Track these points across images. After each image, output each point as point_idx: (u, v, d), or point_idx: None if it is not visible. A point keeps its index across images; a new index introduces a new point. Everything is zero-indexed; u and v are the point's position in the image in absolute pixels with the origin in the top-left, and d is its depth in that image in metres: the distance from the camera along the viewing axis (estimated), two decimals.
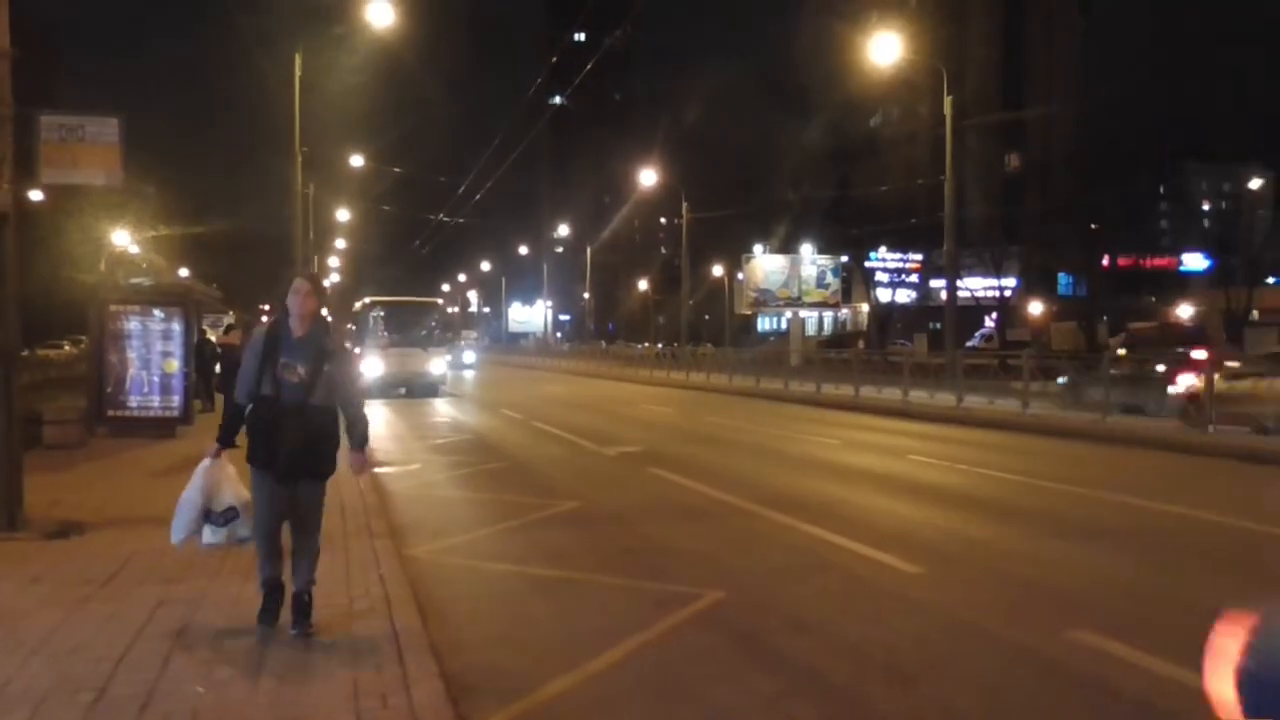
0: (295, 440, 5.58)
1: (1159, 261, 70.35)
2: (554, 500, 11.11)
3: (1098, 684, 5.41)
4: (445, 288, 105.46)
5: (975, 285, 57.17)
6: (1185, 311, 50.50)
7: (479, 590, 7.48)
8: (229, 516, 5.88)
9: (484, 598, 7.23)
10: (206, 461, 5.91)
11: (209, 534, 5.93)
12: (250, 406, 5.73)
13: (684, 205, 50.70)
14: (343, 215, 56.44)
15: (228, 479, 5.92)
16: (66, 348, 51.48)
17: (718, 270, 70.83)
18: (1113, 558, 8.69)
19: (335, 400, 5.75)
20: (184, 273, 45.52)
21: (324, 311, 5.91)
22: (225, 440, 5.88)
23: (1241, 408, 17.04)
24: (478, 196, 64.87)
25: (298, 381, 5.61)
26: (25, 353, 47.43)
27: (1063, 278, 64.88)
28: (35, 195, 36.90)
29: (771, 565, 8.30)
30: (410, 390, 29.49)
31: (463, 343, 54.18)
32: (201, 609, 6.19)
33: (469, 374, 48.04)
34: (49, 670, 5.07)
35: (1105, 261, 58.74)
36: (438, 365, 30.28)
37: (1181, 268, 69.35)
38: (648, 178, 53.16)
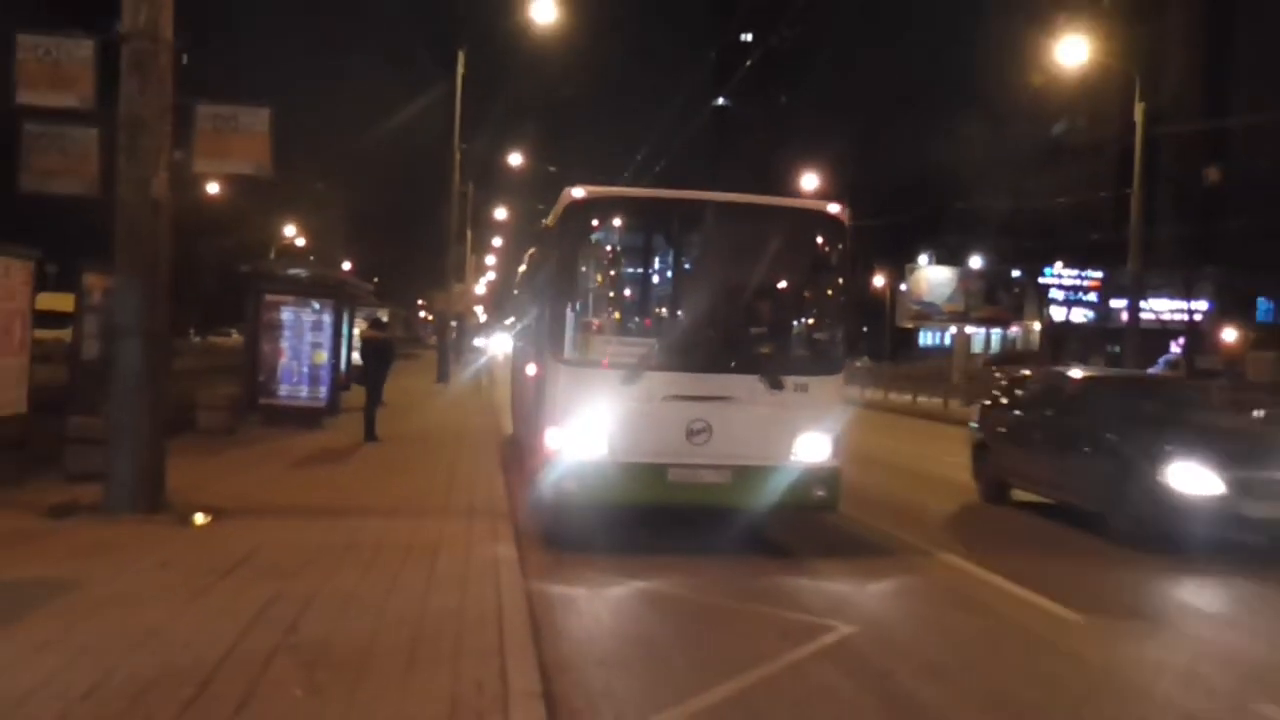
0: None
1: None
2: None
3: None
4: None
5: (1161, 307, 53.40)
6: None
7: None
8: None
9: None
10: None
11: None
12: None
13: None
14: (500, 213, 57.02)
15: None
16: (234, 335, 53.95)
17: (878, 280, 68.63)
18: None
19: None
20: (346, 266, 47.29)
21: None
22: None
23: None
24: None
25: None
26: (197, 339, 50.61)
27: (1262, 302, 59.99)
28: (213, 189, 39.15)
29: (911, 601, 7.68)
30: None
31: None
32: (311, 608, 6.05)
33: None
34: (155, 661, 5.01)
35: None
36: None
37: None
38: (809, 181, 51.88)
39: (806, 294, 9.55)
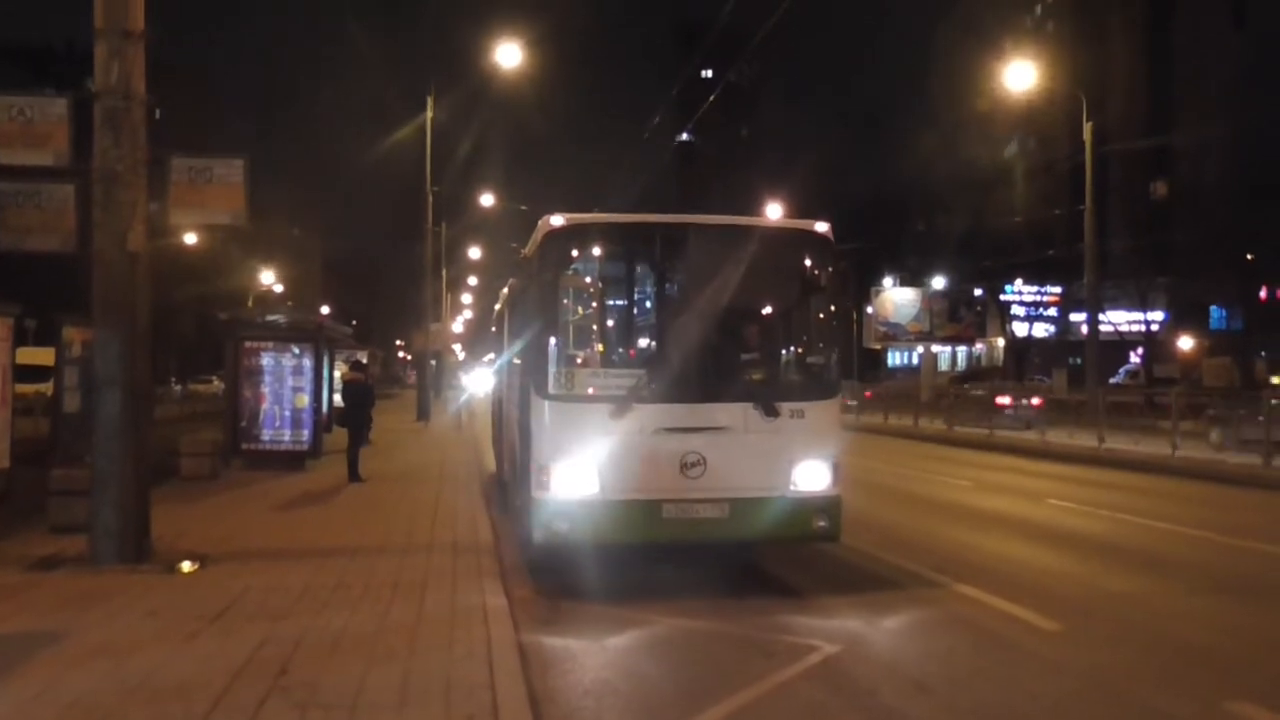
0: None
1: None
2: None
3: None
4: None
5: (1119, 319, 54.49)
6: None
7: None
8: None
9: None
10: None
11: None
12: None
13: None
14: (475, 253, 57.54)
15: None
16: (215, 382, 53.83)
17: None
18: (1277, 619, 7.89)
19: None
20: (325, 310, 47.53)
21: None
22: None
23: None
24: None
25: None
26: (178, 388, 50.60)
27: (1215, 310, 61.30)
28: (190, 238, 39.43)
29: (893, 617, 7.83)
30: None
31: None
32: (301, 649, 6.14)
33: None
34: (147, 709, 5.08)
35: (1263, 294, 55.34)
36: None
37: None
38: (773, 211, 52.85)
39: (797, 316, 9.08)
